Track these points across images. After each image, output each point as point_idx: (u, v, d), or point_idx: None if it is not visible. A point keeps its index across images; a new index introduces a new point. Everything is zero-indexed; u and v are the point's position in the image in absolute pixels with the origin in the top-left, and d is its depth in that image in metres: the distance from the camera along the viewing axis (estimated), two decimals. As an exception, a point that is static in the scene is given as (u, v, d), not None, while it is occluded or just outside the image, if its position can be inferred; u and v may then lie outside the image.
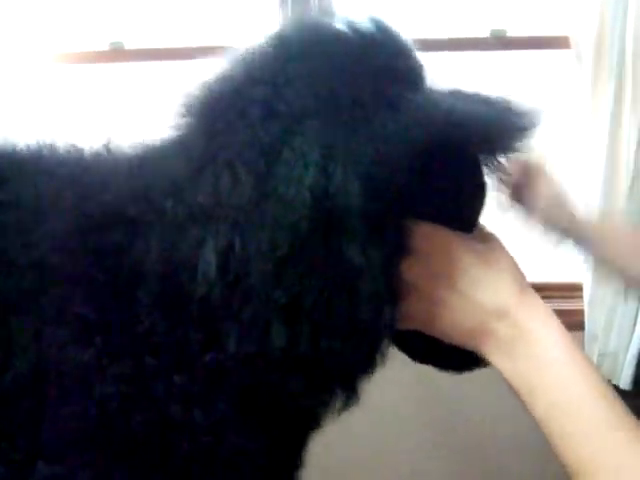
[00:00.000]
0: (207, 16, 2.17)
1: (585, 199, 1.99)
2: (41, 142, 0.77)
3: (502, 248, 0.74)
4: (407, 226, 0.68)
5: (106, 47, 2.16)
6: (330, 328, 0.63)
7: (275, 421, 0.70)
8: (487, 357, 0.72)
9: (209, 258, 0.62)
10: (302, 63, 0.66)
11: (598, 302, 2.02)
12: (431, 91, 0.70)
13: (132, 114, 2.15)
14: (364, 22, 0.69)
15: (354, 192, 0.62)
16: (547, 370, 0.69)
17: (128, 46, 2.17)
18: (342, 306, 0.63)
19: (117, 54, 2.17)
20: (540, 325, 0.71)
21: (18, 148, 0.76)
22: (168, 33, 2.19)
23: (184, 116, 0.69)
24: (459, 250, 0.71)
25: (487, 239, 0.75)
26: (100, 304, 0.66)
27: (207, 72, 0.71)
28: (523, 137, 0.69)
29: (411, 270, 0.69)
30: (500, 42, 2.13)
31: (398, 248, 0.67)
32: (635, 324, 1.99)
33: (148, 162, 0.72)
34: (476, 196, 0.75)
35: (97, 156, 0.75)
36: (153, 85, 2.17)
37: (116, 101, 2.18)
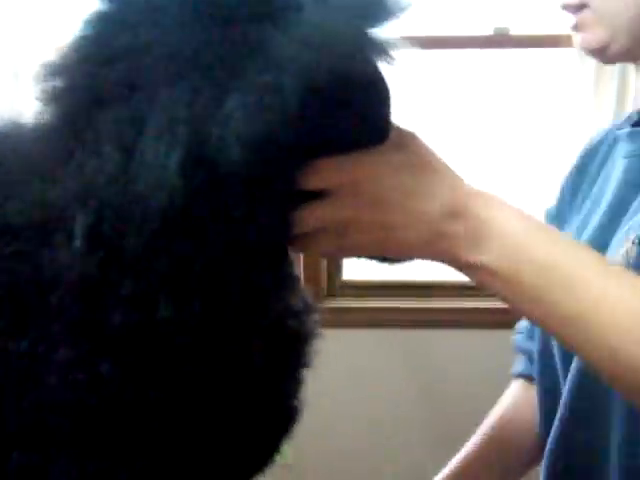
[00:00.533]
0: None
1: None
2: None
3: (426, 147, 0.70)
4: (317, 169, 0.65)
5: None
6: (225, 294, 0.62)
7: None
8: (456, 262, 0.68)
9: (78, 234, 0.60)
10: (152, 24, 0.62)
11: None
12: (295, 10, 0.62)
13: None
14: None
15: (234, 154, 0.58)
16: (524, 246, 0.67)
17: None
18: (235, 269, 0.62)
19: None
20: (496, 209, 0.68)
21: None
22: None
23: (47, 102, 0.66)
24: (382, 168, 0.67)
25: (406, 141, 0.69)
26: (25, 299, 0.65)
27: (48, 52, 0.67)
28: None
29: (344, 208, 0.66)
30: (503, 40, 2.13)
31: (300, 195, 0.64)
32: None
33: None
34: (379, 98, 0.68)
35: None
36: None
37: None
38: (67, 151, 0.61)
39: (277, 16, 0.61)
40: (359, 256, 0.71)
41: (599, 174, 1.01)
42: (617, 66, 1.87)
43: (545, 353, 1.00)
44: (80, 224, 0.60)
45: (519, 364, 1.12)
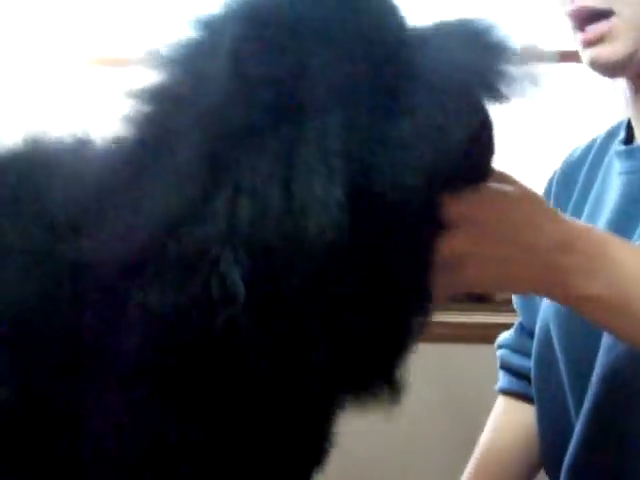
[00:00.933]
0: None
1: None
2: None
3: (525, 184, 0.70)
4: (443, 201, 0.63)
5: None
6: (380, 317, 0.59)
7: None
8: (567, 295, 0.69)
9: (232, 275, 0.55)
10: (301, 50, 0.58)
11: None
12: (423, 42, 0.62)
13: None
14: None
15: (409, 178, 0.55)
16: (635, 277, 0.68)
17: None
18: (383, 296, 0.59)
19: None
20: (603, 241, 0.70)
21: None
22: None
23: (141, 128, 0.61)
24: (500, 203, 0.67)
25: (508, 176, 0.70)
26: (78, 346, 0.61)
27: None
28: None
29: (465, 241, 0.65)
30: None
31: (435, 226, 0.62)
32: None
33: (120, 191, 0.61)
34: (487, 138, 0.67)
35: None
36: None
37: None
38: (200, 183, 0.56)
39: (413, 45, 0.61)
40: (472, 291, 0.71)
41: (588, 189, 0.99)
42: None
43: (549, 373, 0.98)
44: (228, 265, 0.55)
45: (503, 380, 1.11)
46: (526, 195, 0.69)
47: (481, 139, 0.63)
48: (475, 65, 0.60)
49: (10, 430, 0.61)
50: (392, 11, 0.63)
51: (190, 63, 0.61)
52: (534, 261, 0.68)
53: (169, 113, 0.60)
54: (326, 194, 0.54)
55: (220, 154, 0.56)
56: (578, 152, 1.06)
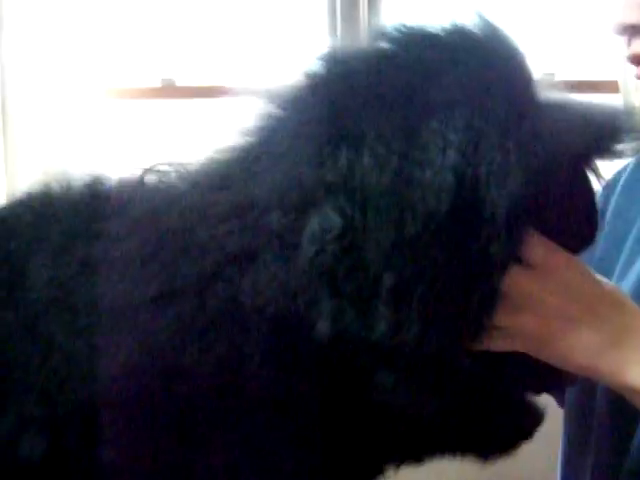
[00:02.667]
0: (257, 54, 2.20)
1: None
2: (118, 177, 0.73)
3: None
4: (528, 236, 0.65)
5: (158, 84, 2.20)
6: (436, 322, 0.60)
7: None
8: (617, 376, 0.68)
9: (332, 217, 0.59)
10: (439, 59, 0.63)
11: None
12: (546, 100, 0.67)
13: (181, 150, 2.18)
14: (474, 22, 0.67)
15: (506, 189, 0.59)
16: None
17: (179, 83, 2.21)
18: (455, 300, 0.60)
19: (169, 91, 2.20)
20: None
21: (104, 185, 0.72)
22: (220, 70, 2.22)
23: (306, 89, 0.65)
24: (584, 267, 0.69)
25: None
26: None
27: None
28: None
29: (538, 282, 0.65)
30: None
31: (516, 257, 0.64)
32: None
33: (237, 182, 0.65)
34: (590, 216, 0.71)
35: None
36: (204, 122, 2.20)
37: (166, 137, 2.22)
38: (329, 137, 0.61)
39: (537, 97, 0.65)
40: (514, 348, 0.68)
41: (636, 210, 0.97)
42: None
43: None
44: (334, 208, 0.59)
45: None
46: (611, 286, 0.71)
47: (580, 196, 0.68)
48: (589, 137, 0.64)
49: None
50: (525, 68, 0.67)
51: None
52: (601, 329, 0.68)
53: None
54: (436, 174, 0.59)
55: (346, 113, 0.62)
56: None
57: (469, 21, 0.66)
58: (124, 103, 2.22)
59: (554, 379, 0.71)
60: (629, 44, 0.87)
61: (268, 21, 2.20)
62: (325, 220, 0.58)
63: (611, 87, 1.96)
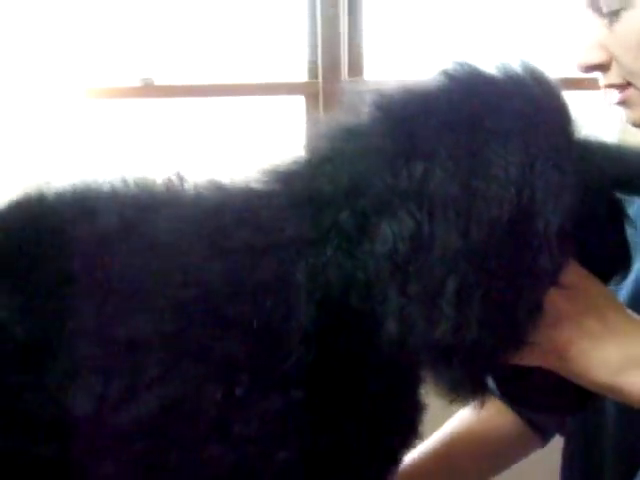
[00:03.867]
0: (237, 53, 2.19)
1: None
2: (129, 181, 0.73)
3: None
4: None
5: (137, 83, 2.18)
6: (490, 325, 0.64)
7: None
8: (630, 400, 0.72)
9: (406, 221, 0.64)
10: (495, 98, 0.69)
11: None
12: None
13: (161, 150, 2.17)
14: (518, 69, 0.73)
15: (560, 206, 0.64)
16: None
17: (159, 82, 2.19)
18: (505, 308, 0.65)
19: (148, 90, 2.19)
20: None
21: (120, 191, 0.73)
22: (199, 70, 2.21)
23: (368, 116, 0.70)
24: (611, 294, 0.75)
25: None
26: (250, 342, 0.65)
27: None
28: None
29: (568, 302, 0.70)
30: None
31: (557, 273, 0.68)
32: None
33: (298, 180, 0.71)
34: (619, 249, 0.77)
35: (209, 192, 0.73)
36: (183, 121, 2.19)
37: (146, 137, 2.21)
38: (404, 152, 0.66)
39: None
40: (540, 362, 0.72)
41: None
42: None
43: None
44: (407, 214, 0.64)
45: None
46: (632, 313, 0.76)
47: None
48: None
49: None
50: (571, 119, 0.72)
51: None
52: (620, 348, 0.71)
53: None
54: (499, 186, 0.64)
55: (416, 135, 0.67)
56: None
57: (514, 63, 0.73)
58: (103, 103, 2.20)
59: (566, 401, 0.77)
60: (603, 76, 0.93)
61: (247, 19, 2.19)
62: (399, 223, 0.63)
63: (592, 85, 1.97)
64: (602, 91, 0.96)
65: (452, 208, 0.64)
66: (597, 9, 0.91)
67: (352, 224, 0.66)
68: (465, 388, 0.69)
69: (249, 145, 2.14)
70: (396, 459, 0.76)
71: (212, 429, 0.64)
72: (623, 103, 0.93)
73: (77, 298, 0.66)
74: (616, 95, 0.93)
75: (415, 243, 0.63)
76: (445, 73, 0.71)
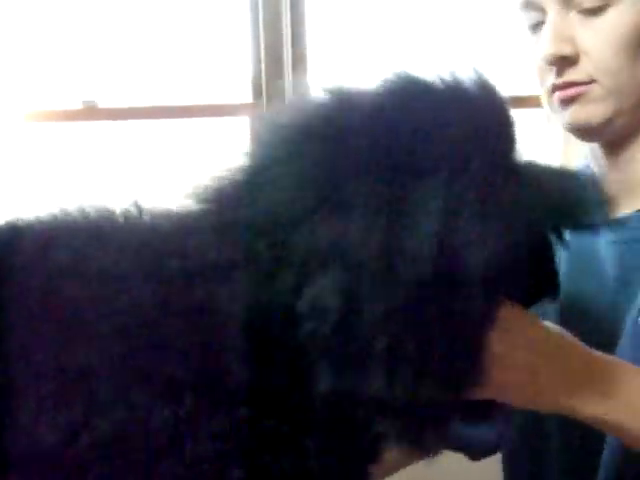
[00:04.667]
0: (181, 75, 2.18)
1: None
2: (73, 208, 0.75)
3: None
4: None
5: (79, 105, 2.16)
6: (427, 376, 0.64)
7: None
8: (579, 413, 0.75)
9: (327, 287, 0.63)
10: (428, 119, 0.67)
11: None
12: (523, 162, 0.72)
13: (104, 173, 2.14)
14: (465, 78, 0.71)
15: (482, 255, 0.63)
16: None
17: (101, 105, 2.17)
18: (443, 357, 0.64)
19: (90, 112, 2.16)
20: (625, 375, 0.77)
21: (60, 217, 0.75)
22: (142, 92, 2.20)
23: (270, 148, 0.70)
24: (538, 320, 0.76)
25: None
26: (189, 363, 0.66)
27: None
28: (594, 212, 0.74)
29: (504, 340, 0.70)
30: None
31: (491, 317, 0.68)
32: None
33: (226, 208, 0.71)
34: (546, 276, 0.78)
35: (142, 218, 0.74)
36: (126, 144, 2.17)
37: (89, 160, 2.18)
38: (320, 203, 0.65)
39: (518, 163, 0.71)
40: (490, 397, 0.73)
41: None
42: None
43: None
44: (331, 279, 0.63)
45: None
46: (560, 331, 0.78)
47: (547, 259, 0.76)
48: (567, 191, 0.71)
49: None
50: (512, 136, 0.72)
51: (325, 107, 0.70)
52: (564, 377, 0.74)
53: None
54: (420, 244, 0.62)
55: (337, 181, 0.65)
56: None
57: (465, 75, 0.71)
58: (44, 126, 2.17)
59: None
60: (558, 74, 0.93)
61: (190, 41, 2.18)
62: (322, 295, 0.63)
63: (534, 102, 1.99)
64: (547, 93, 0.96)
65: (373, 269, 0.62)
66: (570, 5, 0.91)
67: (268, 258, 0.66)
68: (415, 438, 0.69)
69: (194, 167, 2.12)
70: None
71: (165, 450, 0.65)
72: (575, 100, 0.92)
73: (25, 329, 0.66)
74: (571, 91, 0.92)
75: (341, 314, 0.62)
76: (377, 92, 0.70)
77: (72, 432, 0.64)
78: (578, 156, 1.90)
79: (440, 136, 0.66)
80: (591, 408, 0.75)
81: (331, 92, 0.71)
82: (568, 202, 0.70)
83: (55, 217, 0.73)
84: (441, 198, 0.63)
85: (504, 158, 0.68)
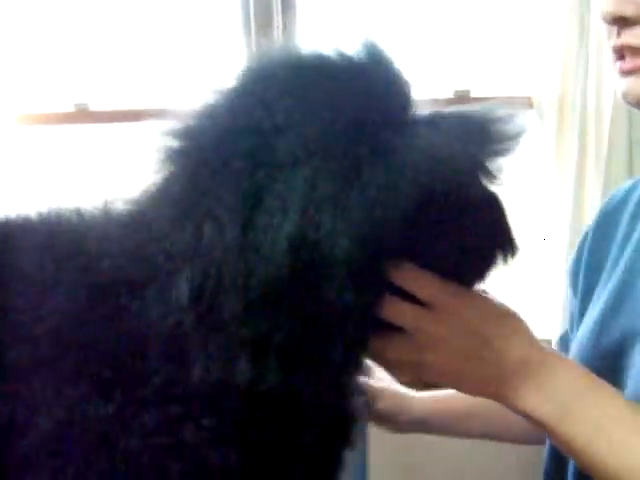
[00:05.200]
0: (172, 78, 2.17)
1: (551, 257, 2.00)
2: (31, 209, 0.77)
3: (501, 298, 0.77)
4: (422, 279, 0.70)
5: (71, 108, 2.15)
6: (298, 365, 0.65)
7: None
8: (512, 406, 0.75)
9: (182, 287, 0.64)
10: (289, 107, 0.65)
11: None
12: (414, 125, 0.68)
13: (96, 175, 2.14)
14: (352, 49, 0.69)
15: (342, 245, 0.62)
16: (583, 394, 0.74)
17: (93, 108, 2.17)
18: (313, 345, 0.65)
19: (82, 115, 2.16)
20: (562, 372, 0.75)
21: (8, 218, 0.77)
22: (133, 95, 2.19)
23: (167, 163, 0.70)
24: (482, 301, 0.74)
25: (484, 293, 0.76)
26: (113, 362, 0.68)
27: (186, 113, 0.71)
28: (509, 142, 0.69)
29: (441, 325, 0.71)
30: (464, 101, 2.15)
31: (367, 304, 0.68)
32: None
33: (137, 217, 0.72)
34: (483, 241, 0.74)
35: (90, 219, 0.76)
36: (118, 147, 2.17)
37: (80, 162, 2.17)
38: (182, 211, 0.66)
39: (399, 127, 0.66)
40: (432, 381, 0.75)
41: (634, 227, 0.98)
42: (577, 127, 1.90)
43: None
44: (185, 279, 0.64)
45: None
46: (504, 308, 0.76)
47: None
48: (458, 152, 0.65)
49: None
50: (396, 90, 0.69)
51: (205, 115, 0.70)
52: (498, 367, 0.74)
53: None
54: (275, 236, 0.62)
55: (198, 183, 0.65)
56: (618, 195, 1.04)
57: (352, 46, 0.68)
58: (36, 129, 2.17)
59: None
60: (618, 35, 0.87)
61: (183, 44, 2.17)
62: (177, 291, 0.64)
63: (524, 103, 2.00)
64: (609, 54, 0.90)
65: (230, 265, 0.63)
66: None
67: (141, 272, 0.68)
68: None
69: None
70: None
71: (100, 445, 0.67)
72: (633, 72, 0.87)
73: None
74: (629, 64, 0.86)
75: (200, 307, 0.64)
76: (242, 74, 0.70)
77: (20, 427, 0.68)
78: (570, 157, 1.92)
79: (298, 125, 0.65)
80: (522, 401, 0.74)
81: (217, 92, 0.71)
82: (475, 148, 0.67)
83: (17, 218, 0.76)
84: (300, 190, 0.62)
85: (371, 139, 0.65)
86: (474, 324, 0.73)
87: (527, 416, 0.75)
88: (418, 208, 0.63)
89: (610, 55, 0.91)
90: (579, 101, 1.89)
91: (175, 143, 0.69)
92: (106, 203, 0.76)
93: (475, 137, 0.66)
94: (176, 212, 0.66)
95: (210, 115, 0.69)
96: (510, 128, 0.68)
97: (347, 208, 0.62)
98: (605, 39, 0.91)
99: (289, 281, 0.62)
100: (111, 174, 2.12)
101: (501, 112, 0.70)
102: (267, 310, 0.63)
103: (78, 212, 0.76)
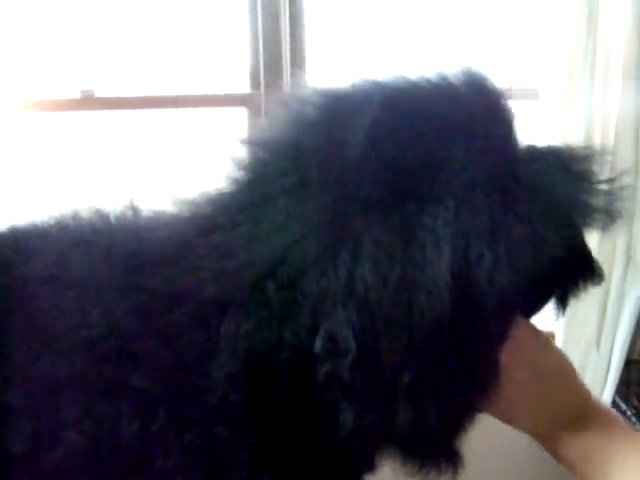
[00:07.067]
0: (178, 65, 2.17)
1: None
2: (62, 212, 0.74)
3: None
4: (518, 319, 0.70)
5: (77, 95, 2.15)
6: (451, 407, 0.64)
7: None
8: (550, 448, 0.75)
9: (344, 339, 0.61)
10: (432, 140, 0.64)
11: (570, 351, 2.02)
12: (530, 158, 0.68)
13: (102, 162, 2.14)
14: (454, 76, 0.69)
15: (502, 282, 0.61)
16: (604, 462, 0.72)
17: (99, 94, 2.16)
18: (458, 386, 0.64)
19: (88, 102, 2.16)
20: (605, 411, 0.76)
21: (39, 222, 0.74)
22: (139, 81, 2.19)
23: (298, 190, 0.66)
24: (545, 337, 0.74)
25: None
26: (164, 378, 0.65)
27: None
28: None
29: (507, 355, 0.69)
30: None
31: (504, 336, 0.68)
32: (607, 374, 1.98)
33: (222, 231, 0.68)
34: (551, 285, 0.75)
35: (138, 222, 0.73)
36: (123, 134, 2.17)
37: (86, 149, 2.17)
38: (325, 244, 0.63)
39: (518, 160, 0.67)
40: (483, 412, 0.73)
41: None
42: (584, 119, 1.89)
43: None
44: (339, 322, 0.61)
45: None
46: (568, 361, 0.76)
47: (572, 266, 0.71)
48: (574, 194, 0.66)
49: None
50: (513, 128, 0.69)
51: (322, 126, 0.67)
52: (550, 403, 0.73)
53: (296, 165, 0.66)
54: (435, 274, 0.60)
55: (344, 219, 0.62)
56: None
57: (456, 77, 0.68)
58: (42, 115, 2.17)
59: None
60: None
61: (188, 31, 2.17)
62: (336, 334, 0.61)
63: (529, 94, 1.99)
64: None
65: (390, 306, 0.61)
66: None
67: (277, 299, 0.64)
68: (435, 464, 0.68)
69: (191, 158, 2.12)
70: None
71: (134, 463, 0.64)
72: None
73: None
74: None
75: (359, 353, 0.61)
76: (380, 105, 0.66)
77: (43, 442, 0.64)
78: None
79: (442, 158, 0.64)
80: (563, 449, 0.74)
81: (321, 107, 0.68)
82: (577, 206, 0.67)
83: (46, 221, 0.73)
84: (450, 225, 0.61)
85: (507, 171, 0.65)
86: (538, 360, 0.73)
87: (568, 464, 0.75)
88: (564, 246, 0.64)
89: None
90: (586, 92, 1.89)
91: (307, 173, 0.66)
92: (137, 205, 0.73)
93: (582, 178, 0.68)
94: (320, 246, 0.63)
95: (349, 133, 0.66)
96: (600, 170, 0.69)
97: (509, 240, 0.62)
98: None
99: (447, 319, 0.61)
100: (116, 161, 2.13)
101: (587, 151, 0.70)
102: (426, 352, 0.61)
103: (139, 220, 0.73)
